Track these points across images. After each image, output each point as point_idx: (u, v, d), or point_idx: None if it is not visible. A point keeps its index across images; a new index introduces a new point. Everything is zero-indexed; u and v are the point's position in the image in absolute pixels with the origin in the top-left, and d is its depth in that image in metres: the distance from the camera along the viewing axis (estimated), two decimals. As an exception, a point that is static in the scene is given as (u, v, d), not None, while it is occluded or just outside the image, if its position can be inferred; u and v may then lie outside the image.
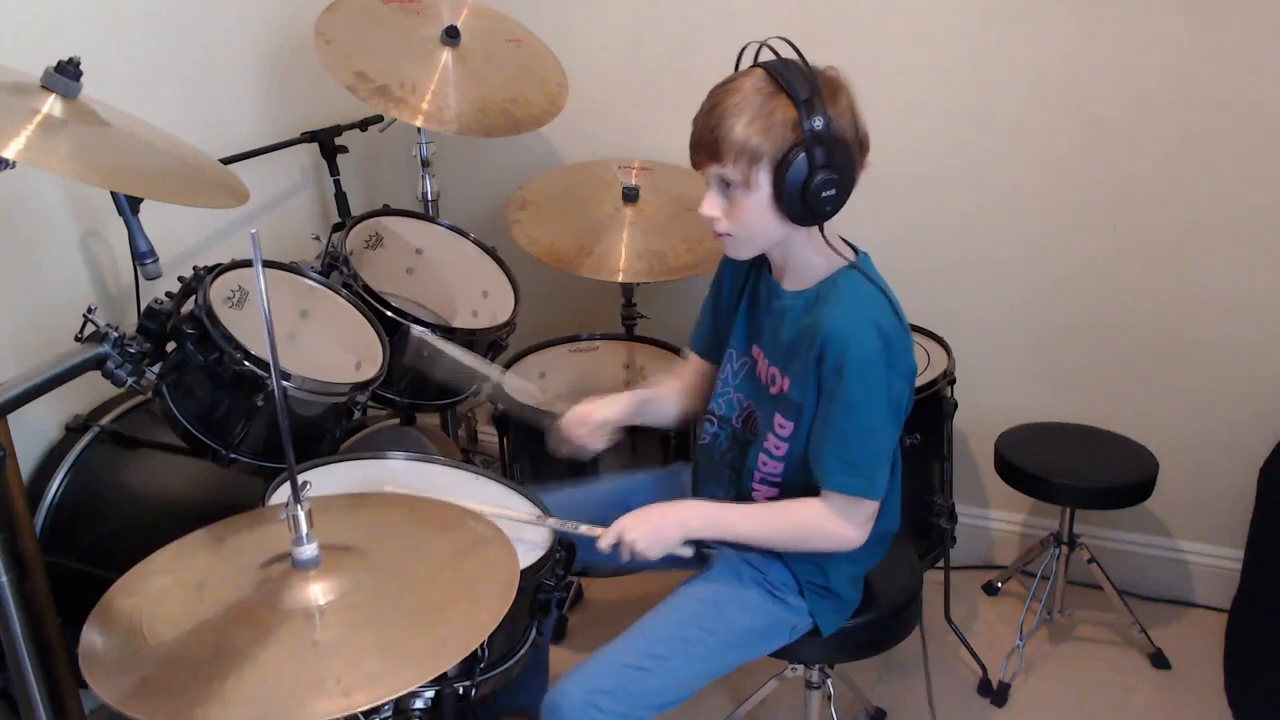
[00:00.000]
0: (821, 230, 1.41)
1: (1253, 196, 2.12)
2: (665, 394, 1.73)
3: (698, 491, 1.66)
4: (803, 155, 1.31)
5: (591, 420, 1.62)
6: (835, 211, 1.37)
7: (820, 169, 1.32)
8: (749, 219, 1.39)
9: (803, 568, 1.53)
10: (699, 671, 1.48)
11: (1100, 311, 2.31)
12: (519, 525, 1.49)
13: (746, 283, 1.58)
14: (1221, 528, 2.34)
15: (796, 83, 1.31)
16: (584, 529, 1.49)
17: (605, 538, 1.45)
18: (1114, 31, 2.11)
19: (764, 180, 1.35)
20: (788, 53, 1.37)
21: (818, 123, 1.31)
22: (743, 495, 1.57)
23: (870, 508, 1.44)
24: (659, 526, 1.46)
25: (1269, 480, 2.15)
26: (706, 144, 1.36)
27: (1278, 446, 2.14)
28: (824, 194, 1.34)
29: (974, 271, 2.38)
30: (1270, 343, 2.18)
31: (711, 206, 1.41)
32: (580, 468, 2.09)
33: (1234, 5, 2.01)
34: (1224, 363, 2.24)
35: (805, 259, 1.46)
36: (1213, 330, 2.23)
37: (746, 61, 1.40)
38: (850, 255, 1.46)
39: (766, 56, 1.38)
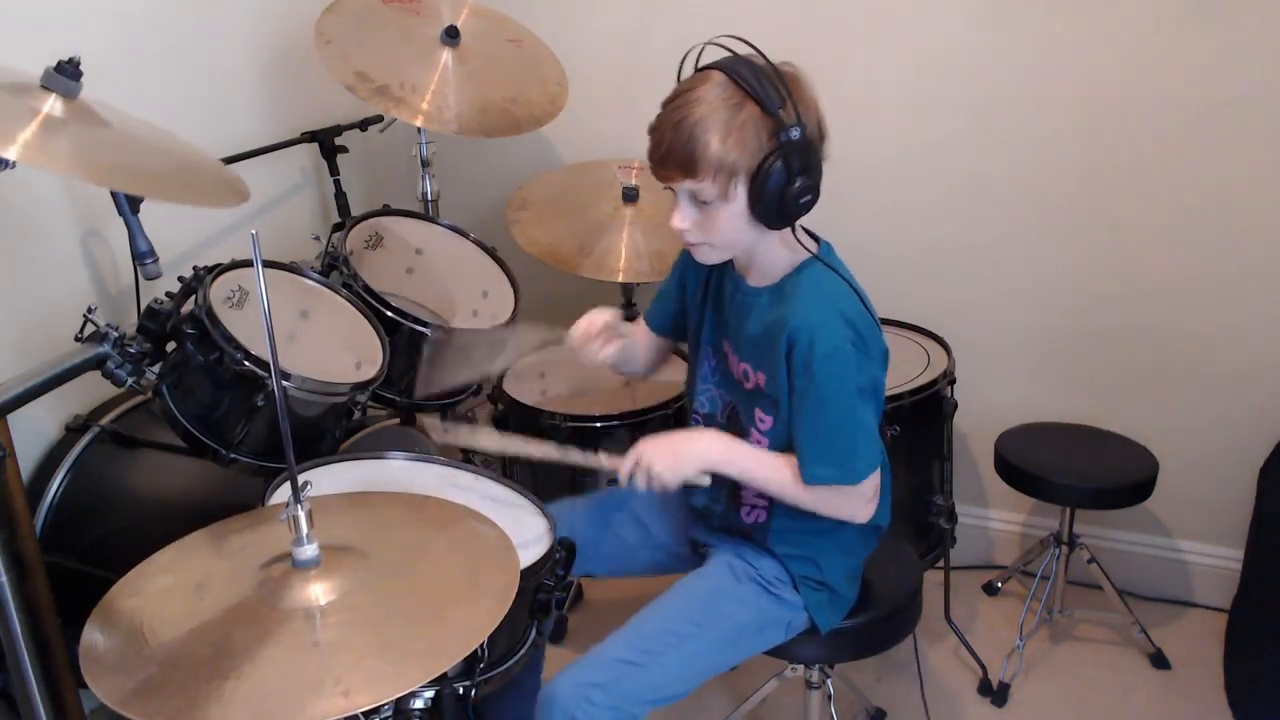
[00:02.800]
0: (793, 229, 1.41)
1: (1254, 197, 2.12)
2: (638, 339, 1.71)
3: (688, 492, 1.66)
4: (780, 164, 1.30)
5: (595, 328, 1.59)
6: (809, 210, 1.37)
7: (797, 175, 1.31)
8: (724, 229, 1.38)
9: (796, 563, 1.53)
10: (694, 668, 1.48)
11: (1100, 312, 2.31)
12: (520, 524, 1.49)
13: (710, 278, 1.57)
14: (1221, 528, 2.34)
15: (766, 89, 1.29)
16: (605, 461, 1.47)
17: (625, 463, 1.44)
18: (1114, 30, 2.11)
19: (740, 192, 1.34)
20: (741, 50, 1.34)
21: (794, 133, 1.29)
22: (733, 492, 1.57)
23: (859, 489, 1.43)
24: (679, 452, 1.45)
25: (1269, 480, 2.15)
26: (679, 160, 1.32)
27: (1278, 446, 2.14)
28: (801, 200, 1.33)
29: (974, 272, 2.38)
30: (1270, 343, 2.18)
31: (683, 219, 1.39)
32: (578, 470, 2.09)
33: (1246, 11, 2.01)
34: (1224, 363, 2.24)
35: (772, 255, 1.45)
36: (1213, 331, 2.23)
37: (693, 63, 1.37)
38: (813, 247, 1.46)
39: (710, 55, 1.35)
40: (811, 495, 1.44)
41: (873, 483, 1.45)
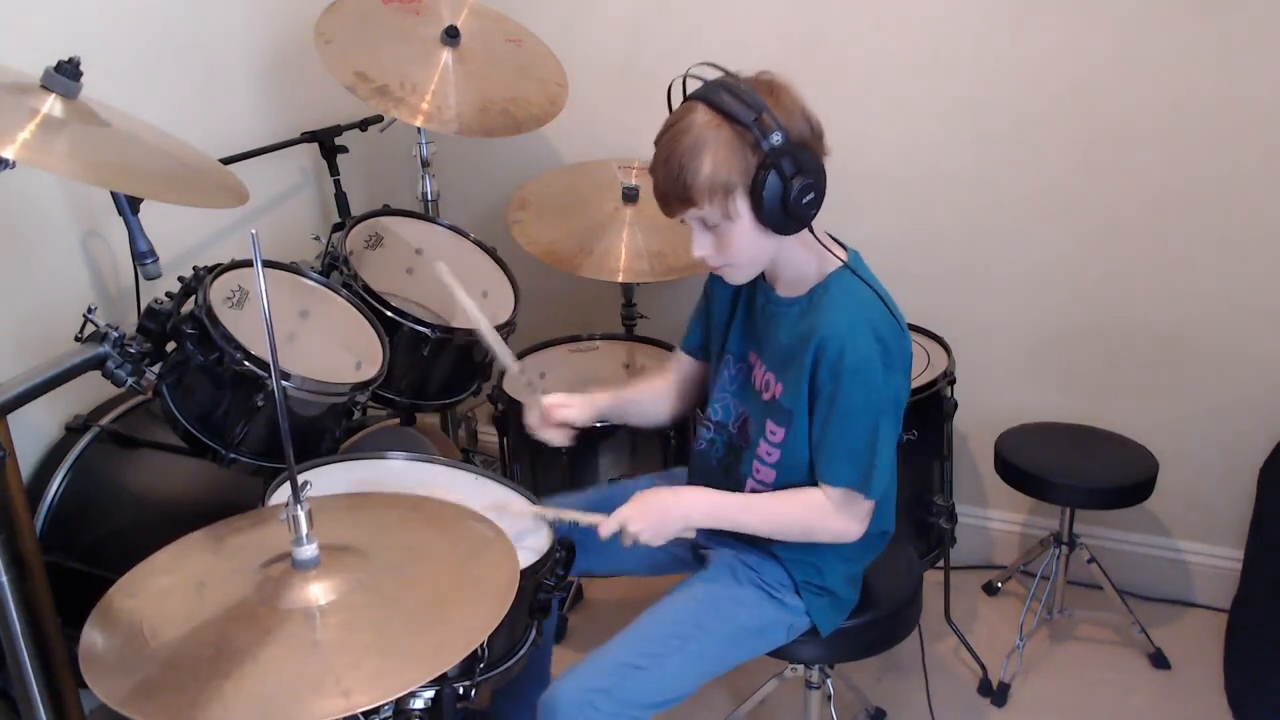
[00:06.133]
0: (812, 231, 1.41)
1: (1255, 197, 2.12)
2: (653, 394, 1.74)
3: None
4: (772, 173, 1.31)
5: (554, 417, 1.63)
6: (818, 210, 1.37)
7: (793, 178, 1.32)
8: (739, 247, 1.40)
9: (798, 567, 1.54)
10: (695, 670, 1.48)
11: (1100, 312, 2.31)
12: (520, 524, 1.49)
13: (741, 289, 1.58)
14: (1221, 528, 2.34)
15: (738, 105, 1.31)
16: (583, 519, 1.48)
17: (606, 525, 1.45)
18: (1118, 34, 2.11)
19: (743, 208, 1.35)
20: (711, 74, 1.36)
21: (775, 139, 1.30)
22: (737, 492, 1.57)
23: (867, 505, 1.45)
24: (661, 515, 1.46)
25: (1269, 480, 2.15)
26: (676, 193, 1.36)
27: (1278, 446, 2.14)
28: (804, 200, 1.34)
29: (974, 272, 2.38)
30: (1270, 343, 2.18)
31: (700, 247, 1.42)
32: (579, 470, 2.09)
33: (1243, 9, 2.01)
34: (1224, 363, 2.24)
35: (798, 264, 1.46)
36: (1213, 330, 2.22)
37: (676, 97, 1.39)
38: (842, 254, 1.46)
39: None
40: (815, 513, 1.45)
41: (872, 504, 1.46)
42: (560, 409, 1.63)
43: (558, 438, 1.65)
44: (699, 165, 1.32)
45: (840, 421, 1.40)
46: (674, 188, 1.35)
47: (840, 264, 1.44)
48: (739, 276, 1.48)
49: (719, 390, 1.61)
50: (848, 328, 1.38)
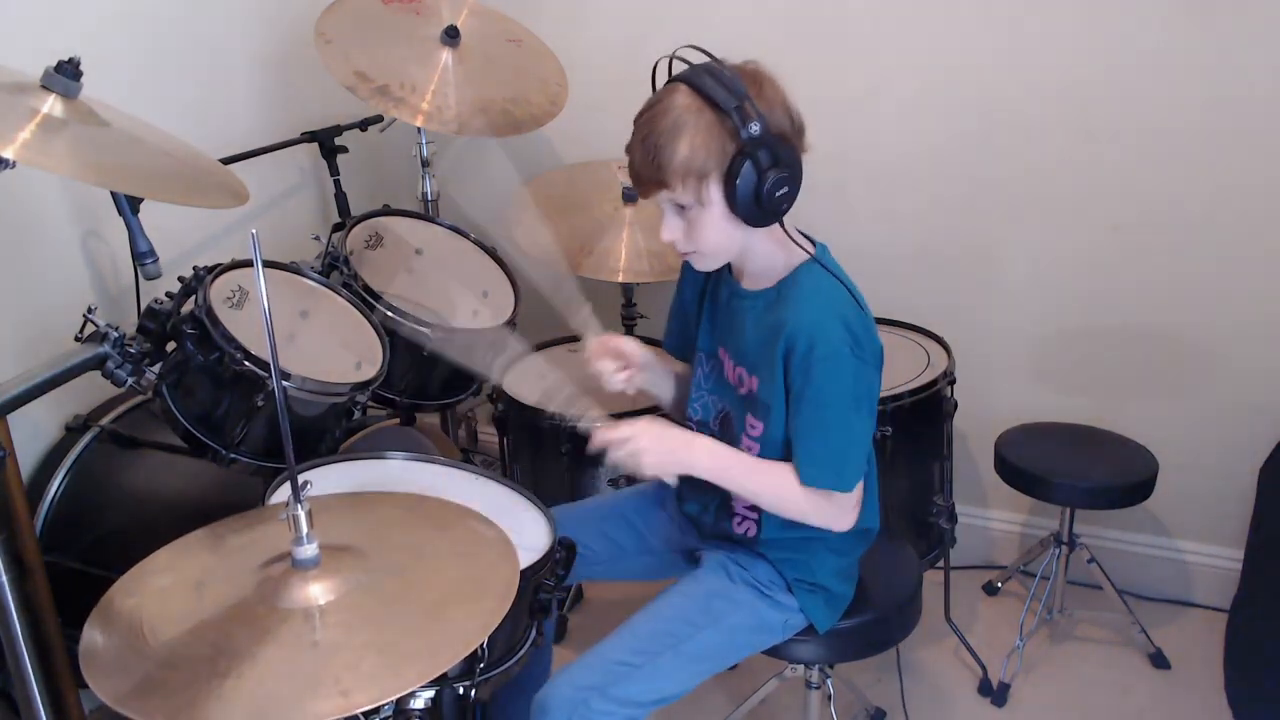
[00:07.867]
0: (782, 225, 1.40)
1: (1254, 197, 2.11)
2: (668, 370, 1.72)
3: (681, 494, 1.65)
4: (748, 162, 1.30)
5: (610, 345, 1.59)
6: (791, 205, 1.36)
7: (768, 170, 1.31)
8: (709, 234, 1.39)
9: (788, 566, 1.54)
10: (690, 668, 1.48)
11: (1100, 311, 2.31)
12: (520, 525, 1.49)
13: (706, 284, 1.58)
14: (1221, 528, 2.34)
15: (721, 91, 1.29)
16: (597, 418, 1.46)
17: (615, 434, 1.42)
18: (1115, 31, 2.11)
19: (716, 195, 1.34)
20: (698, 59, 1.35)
21: (754, 128, 1.29)
22: (724, 503, 1.57)
23: (847, 498, 1.44)
24: (669, 454, 1.45)
25: (1269, 480, 2.15)
26: (651, 174, 1.35)
27: (1278, 446, 2.14)
28: (778, 193, 1.33)
29: (975, 272, 2.38)
30: (1270, 343, 2.18)
31: (670, 230, 1.41)
32: (579, 469, 2.09)
33: (1243, 9, 2.01)
34: (1224, 363, 2.24)
35: (766, 258, 1.46)
36: (1213, 330, 2.22)
37: (661, 78, 1.38)
38: (809, 248, 1.46)
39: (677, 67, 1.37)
40: (804, 502, 1.44)
41: (858, 493, 1.45)
42: (615, 340, 1.59)
43: (614, 371, 1.60)
44: (675, 147, 1.31)
45: (812, 416, 1.40)
46: (649, 168, 1.34)
47: (808, 256, 1.44)
48: (706, 264, 1.48)
49: (696, 388, 1.61)
50: (818, 319, 1.38)
